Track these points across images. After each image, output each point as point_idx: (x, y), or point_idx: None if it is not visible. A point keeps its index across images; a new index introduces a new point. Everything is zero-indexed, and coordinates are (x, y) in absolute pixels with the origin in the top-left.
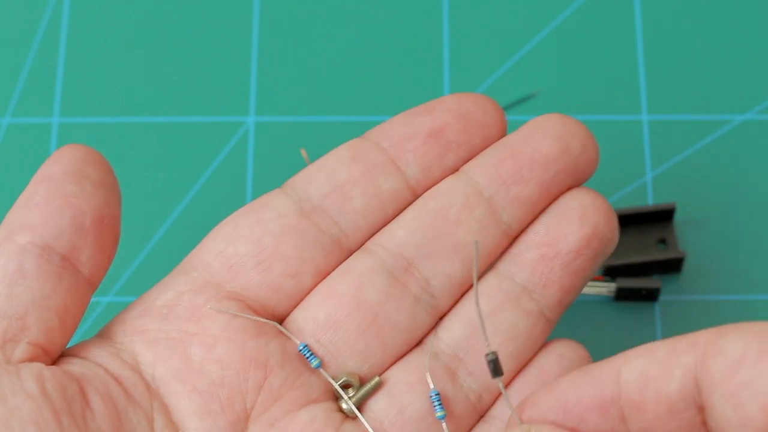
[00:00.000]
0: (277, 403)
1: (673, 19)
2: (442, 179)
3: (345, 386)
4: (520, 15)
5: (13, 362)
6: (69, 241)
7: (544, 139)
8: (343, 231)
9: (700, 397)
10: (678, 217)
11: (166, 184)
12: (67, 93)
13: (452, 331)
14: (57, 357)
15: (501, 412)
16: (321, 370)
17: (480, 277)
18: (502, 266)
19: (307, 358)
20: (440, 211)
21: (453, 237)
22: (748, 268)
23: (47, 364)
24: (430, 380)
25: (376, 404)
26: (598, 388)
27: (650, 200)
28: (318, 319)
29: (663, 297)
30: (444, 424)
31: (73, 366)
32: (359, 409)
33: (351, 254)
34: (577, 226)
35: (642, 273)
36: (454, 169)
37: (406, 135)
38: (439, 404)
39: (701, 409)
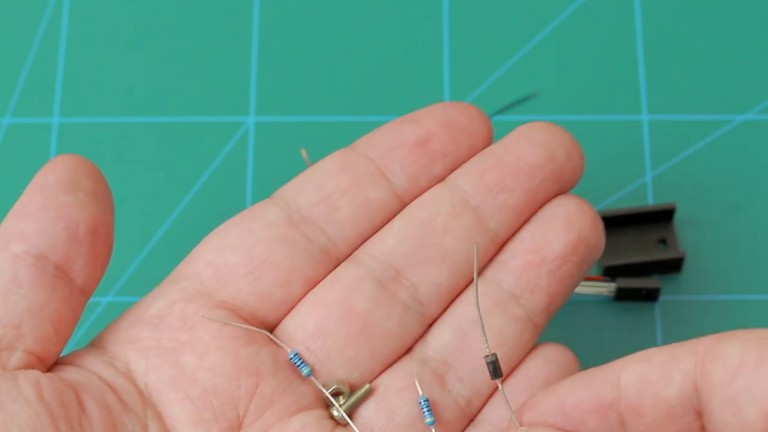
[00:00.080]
0: (269, 410)
1: (673, 19)
2: (429, 188)
3: (336, 394)
4: (520, 15)
5: (9, 370)
6: (63, 250)
7: (529, 147)
8: (332, 240)
9: (699, 402)
10: (678, 217)
11: (166, 184)
12: (67, 93)
13: (441, 337)
14: (51, 365)
15: (491, 415)
16: (312, 378)
17: (470, 283)
18: (490, 273)
19: (298, 366)
20: (427, 220)
21: (440, 245)
22: (748, 268)
23: (42, 372)
24: (418, 386)
25: (366, 411)
26: (598, 391)
27: (650, 200)
28: (308, 328)
29: (663, 297)
30: (433, 430)
31: (68, 373)
32: (350, 416)
33: (340, 263)
34: (562, 233)
35: (642, 273)
36: (441, 178)
37: (393, 145)
38: (428, 410)
39: (700, 415)
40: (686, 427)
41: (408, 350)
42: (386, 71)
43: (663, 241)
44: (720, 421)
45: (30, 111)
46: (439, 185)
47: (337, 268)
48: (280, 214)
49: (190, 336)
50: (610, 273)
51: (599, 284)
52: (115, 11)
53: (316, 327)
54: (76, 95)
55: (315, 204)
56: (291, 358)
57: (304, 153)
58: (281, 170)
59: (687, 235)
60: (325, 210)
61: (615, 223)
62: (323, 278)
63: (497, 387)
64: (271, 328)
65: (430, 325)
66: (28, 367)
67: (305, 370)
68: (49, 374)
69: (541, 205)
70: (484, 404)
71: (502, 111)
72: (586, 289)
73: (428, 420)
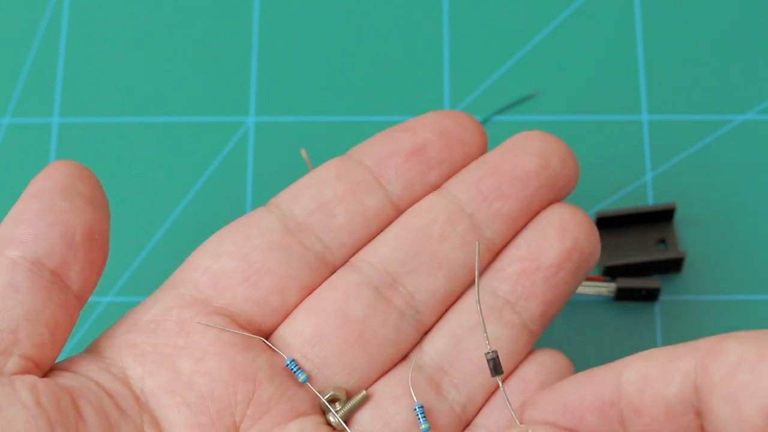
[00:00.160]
0: (266, 416)
1: (673, 19)
2: (425, 196)
3: (332, 400)
4: (520, 15)
5: (5, 375)
6: (60, 256)
7: (524, 156)
8: (328, 247)
9: (698, 401)
10: (678, 217)
11: (166, 184)
12: (67, 93)
13: (437, 344)
14: (47, 371)
15: (487, 420)
16: (308, 384)
17: (464, 291)
18: (485, 280)
19: (295, 372)
20: (423, 228)
21: (436, 253)
22: (748, 268)
23: (39, 377)
24: (413, 393)
25: (362, 417)
26: (599, 389)
27: (650, 200)
28: (305, 334)
29: (663, 297)
30: None
31: (65, 379)
32: (346, 422)
33: (336, 270)
34: (557, 241)
35: (642, 273)
36: (436, 186)
37: (389, 153)
38: (423, 416)
39: (699, 414)
40: (685, 426)
41: (404, 357)
42: (386, 71)
43: (663, 241)
44: (719, 419)
45: (30, 111)
46: (434, 193)
47: (333, 275)
48: (276, 222)
49: (187, 341)
50: (610, 273)
51: (599, 284)
52: (115, 11)
53: (312, 333)
54: (76, 95)
55: (311, 211)
56: (287, 365)
57: (304, 153)
58: (281, 170)
59: (687, 235)
60: (321, 217)
61: (615, 223)
62: (319, 285)
63: (493, 393)
64: (268, 335)
65: (426, 332)
66: (24, 372)
67: (302, 377)
68: (45, 379)
69: (536, 213)
70: (480, 410)
71: (502, 111)
72: (586, 289)
73: (423, 426)
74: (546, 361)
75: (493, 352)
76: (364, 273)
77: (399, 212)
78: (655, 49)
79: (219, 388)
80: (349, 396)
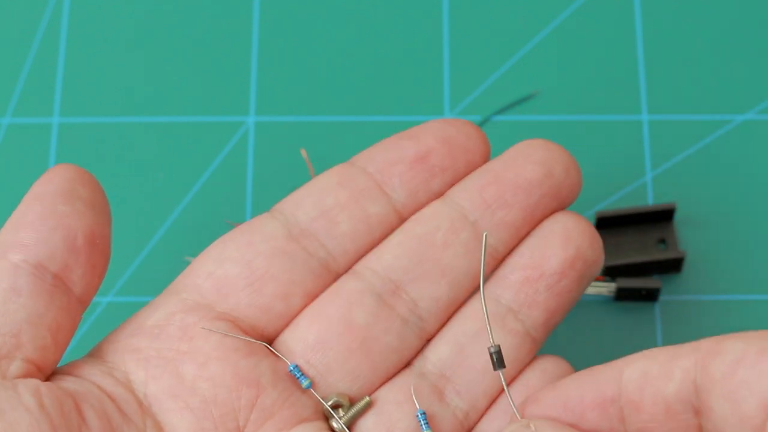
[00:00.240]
0: (269, 421)
1: (673, 19)
2: (428, 203)
3: (335, 406)
4: (520, 15)
5: (8, 378)
6: (61, 259)
7: (527, 164)
8: (331, 254)
9: (697, 400)
10: (678, 217)
11: (166, 184)
12: (67, 93)
13: (440, 351)
14: (50, 375)
15: (489, 427)
16: (312, 390)
17: (467, 298)
18: (488, 288)
19: (298, 378)
20: (427, 235)
21: (440, 260)
22: (748, 268)
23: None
24: (415, 400)
25: (365, 423)
26: (600, 386)
27: (650, 200)
28: (308, 341)
29: (663, 297)
30: None
31: (68, 383)
32: (349, 428)
33: (339, 277)
34: (560, 249)
35: (642, 273)
36: (440, 194)
37: (392, 160)
38: (426, 423)
39: (698, 413)
40: (684, 424)
41: (407, 364)
42: (386, 71)
43: (663, 241)
44: (719, 417)
45: (30, 111)
46: (438, 200)
47: (336, 282)
48: (279, 228)
49: (191, 346)
50: (610, 273)
51: (599, 284)
52: (115, 11)
53: (316, 340)
54: (76, 95)
55: (314, 218)
56: (291, 371)
57: (304, 153)
58: (281, 170)
59: (687, 235)
60: (325, 224)
61: (615, 223)
62: (322, 292)
63: (495, 399)
64: (271, 341)
65: (429, 340)
66: (27, 375)
67: (305, 383)
68: (48, 383)
69: (539, 222)
70: (482, 416)
71: (502, 111)
72: (587, 289)
73: None
74: (549, 367)
75: (496, 346)
76: (368, 280)
77: (402, 220)
78: (655, 49)
79: (222, 393)
80: (352, 402)
